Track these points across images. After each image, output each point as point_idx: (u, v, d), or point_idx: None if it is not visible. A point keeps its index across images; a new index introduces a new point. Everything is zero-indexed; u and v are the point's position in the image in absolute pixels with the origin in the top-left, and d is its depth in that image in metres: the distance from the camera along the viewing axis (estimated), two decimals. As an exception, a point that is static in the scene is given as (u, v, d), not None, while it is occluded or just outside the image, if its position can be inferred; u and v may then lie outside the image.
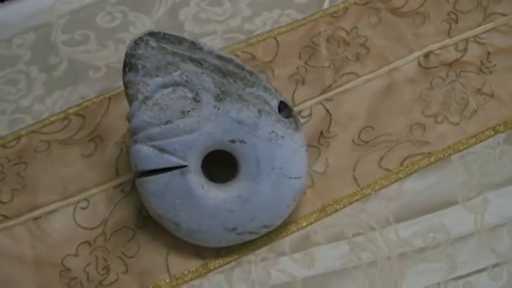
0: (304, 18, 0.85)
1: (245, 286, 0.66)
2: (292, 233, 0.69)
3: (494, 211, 0.68)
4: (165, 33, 0.63)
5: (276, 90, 0.65)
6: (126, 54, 0.64)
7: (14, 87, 0.82)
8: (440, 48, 0.79)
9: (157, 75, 0.63)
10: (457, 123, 0.74)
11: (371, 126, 0.74)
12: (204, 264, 0.67)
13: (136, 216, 0.70)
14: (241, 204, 0.65)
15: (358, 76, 0.78)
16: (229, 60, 0.63)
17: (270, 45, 0.83)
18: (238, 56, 0.82)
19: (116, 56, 0.82)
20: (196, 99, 0.63)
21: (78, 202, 0.72)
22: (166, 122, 0.63)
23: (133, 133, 0.64)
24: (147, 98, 0.63)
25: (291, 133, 0.64)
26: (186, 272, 0.67)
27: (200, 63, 0.63)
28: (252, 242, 0.68)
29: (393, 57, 0.79)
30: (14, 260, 0.69)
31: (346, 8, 0.85)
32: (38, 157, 0.75)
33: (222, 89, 0.63)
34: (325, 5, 0.86)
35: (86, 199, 0.72)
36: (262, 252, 0.68)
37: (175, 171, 0.64)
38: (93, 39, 0.84)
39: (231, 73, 0.63)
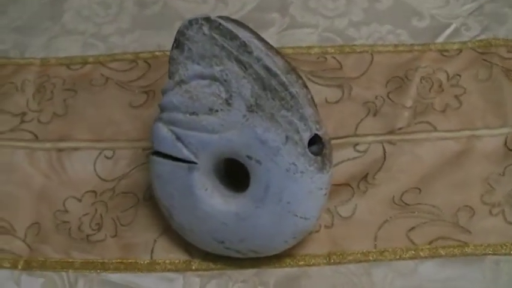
0: (411, 45, 0.77)
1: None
2: (285, 266, 0.64)
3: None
4: (220, 24, 0.59)
5: (317, 122, 0.60)
6: (178, 31, 0.61)
7: (104, 11, 0.81)
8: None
9: (198, 63, 0.60)
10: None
11: (419, 189, 0.67)
12: (188, 261, 0.65)
13: (147, 188, 0.68)
14: (236, 221, 0.61)
15: (435, 130, 0.71)
16: (274, 75, 0.58)
17: (363, 60, 0.76)
18: (325, 59, 0.76)
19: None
20: (228, 102, 0.59)
21: (105, 149, 0.71)
22: (192, 113, 0.60)
23: (161, 110, 0.62)
24: (182, 81, 0.60)
25: (313, 172, 0.59)
26: (167, 261, 0.65)
27: (245, 67, 0.58)
28: (242, 259, 0.64)
29: (481, 124, 0.71)
30: (23, 181, 0.70)
31: (460, 51, 0.76)
32: (90, 90, 0.75)
33: (257, 101, 0.58)
34: (440, 39, 0.77)
35: (113, 149, 0.71)
36: (248, 274, 0.64)
37: (183, 164, 0.61)
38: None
39: (271, 88, 0.58)
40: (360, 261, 0.64)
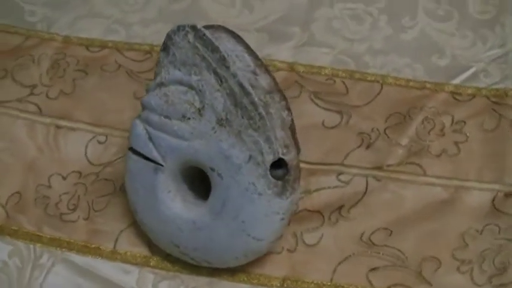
0: (424, 82, 0.75)
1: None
2: (238, 281, 0.65)
3: None
4: (204, 34, 0.59)
5: (286, 146, 0.59)
6: (167, 34, 0.62)
7: (135, -1, 0.84)
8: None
9: (179, 69, 0.61)
10: (477, 286, 0.62)
11: (391, 231, 0.66)
12: (147, 257, 0.66)
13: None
14: (192, 230, 0.62)
15: (424, 174, 0.69)
16: (247, 93, 0.58)
17: (371, 90, 0.75)
18: (334, 82, 0.75)
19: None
20: (200, 112, 0.60)
21: (99, 134, 0.73)
22: (166, 116, 0.61)
23: (141, 107, 0.63)
24: (162, 84, 0.62)
25: (271, 195, 0.59)
26: (128, 253, 0.67)
27: (221, 80, 0.59)
28: (199, 266, 0.65)
29: (474, 176, 0.69)
30: (17, 151, 0.73)
31: (473, 96, 0.74)
32: (100, 74, 0.77)
33: (228, 116, 0.59)
34: (456, 81, 0.75)
35: (106, 135, 0.73)
36: (201, 281, 0.65)
37: (151, 164, 0.62)
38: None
39: (242, 106, 0.58)
40: (312, 292, 0.63)
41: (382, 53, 0.78)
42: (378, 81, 0.75)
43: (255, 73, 0.62)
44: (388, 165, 0.70)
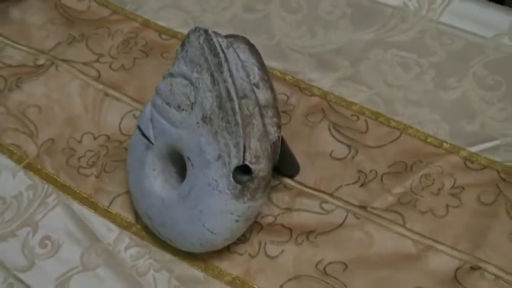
0: (443, 141, 0.76)
1: (129, 261, 0.71)
2: (195, 267, 0.70)
3: None
4: (212, 39, 0.66)
5: (256, 157, 0.64)
6: (187, 33, 0.69)
7: (217, 2, 0.92)
8: (495, 276, 0.66)
9: (186, 65, 0.68)
10: None
11: (346, 266, 0.68)
12: (130, 223, 0.74)
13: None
14: (161, 207, 0.69)
15: (403, 225, 0.70)
16: (230, 99, 0.64)
17: (390, 135, 0.78)
18: (357, 119, 0.79)
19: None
20: (192, 106, 0.66)
21: (136, 110, 0.82)
22: (167, 103, 0.68)
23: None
24: (172, 74, 0.69)
25: (228, 195, 0.64)
26: (117, 215, 0.75)
27: (214, 83, 0.65)
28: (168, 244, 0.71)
29: (450, 241, 0.69)
30: (67, 104, 0.84)
31: (484, 167, 0.74)
32: (158, 59, 0.87)
33: (211, 115, 0.65)
34: (474, 148, 0.75)
35: (140, 110, 0.81)
36: (165, 257, 0.71)
37: (145, 141, 0.70)
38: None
39: (224, 110, 0.64)
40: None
41: (415, 105, 0.79)
42: (398, 129, 0.77)
43: (256, 86, 0.68)
44: (373, 208, 0.72)
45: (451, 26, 0.85)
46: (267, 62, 0.80)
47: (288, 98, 0.81)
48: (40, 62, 0.88)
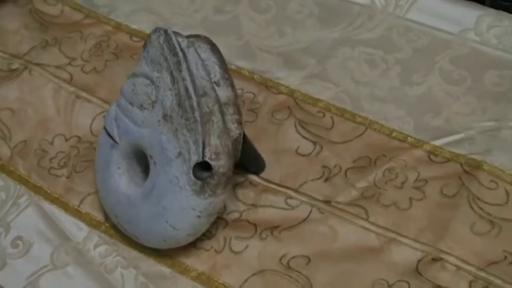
0: (408, 135, 0.77)
1: (98, 259, 0.72)
2: (162, 263, 0.71)
3: None
4: (171, 39, 0.67)
5: (216, 153, 0.65)
6: (149, 33, 0.70)
7: (188, 4, 0.93)
8: (457, 267, 0.67)
9: (148, 65, 0.69)
10: None
11: (310, 260, 0.69)
12: (100, 222, 0.75)
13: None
14: (126, 204, 0.70)
15: (366, 219, 0.72)
16: (189, 97, 0.65)
17: (355, 131, 0.79)
18: (323, 115, 0.80)
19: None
20: (153, 105, 0.68)
21: (107, 111, 0.83)
22: (130, 103, 0.70)
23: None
24: (134, 74, 0.70)
25: (189, 191, 0.65)
26: (87, 214, 0.76)
27: (174, 81, 0.66)
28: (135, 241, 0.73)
29: (413, 234, 0.70)
30: (40, 107, 0.85)
31: (448, 160, 0.75)
32: (128, 61, 0.88)
33: (171, 113, 0.66)
34: (438, 142, 0.76)
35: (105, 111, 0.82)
36: (132, 254, 0.72)
37: (110, 140, 0.71)
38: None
39: (183, 108, 0.65)
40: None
41: (381, 101, 0.80)
42: (363, 125, 0.78)
43: (217, 84, 0.69)
44: (337, 202, 0.73)
45: (417, 23, 0.86)
46: (236, 62, 0.82)
47: (254, 96, 0.82)
48: (14, 67, 0.89)
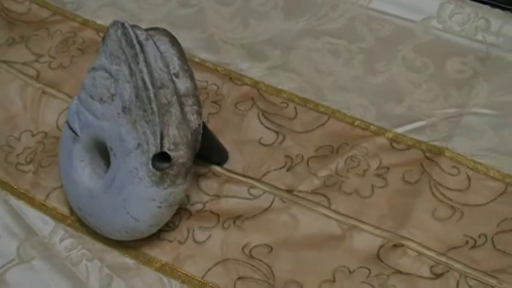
0: (370, 124, 0.78)
1: (63, 253, 0.73)
2: (126, 255, 0.72)
3: None
4: (128, 32, 0.67)
5: (175, 144, 0.66)
6: (108, 27, 0.70)
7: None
8: (418, 253, 0.68)
9: (107, 58, 0.69)
10: None
11: (272, 248, 0.70)
12: (66, 216, 0.76)
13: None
14: (88, 197, 0.70)
15: (328, 207, 0.72)
16: (146, 89, 0.66)
17: (317, 120, 0.80)
18: (287, 106, 0.81)
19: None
20: (112, 97, 0.68)
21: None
22: (90, 96, 0.70)
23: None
24: (94, 68, 0.71)
25: (148, 182, 0.66)
26: (53, 208, 0.76)
27: (131, 74, 0.67)
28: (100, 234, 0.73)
29: (374, 221, 0.71)
30: (7, 104, 0.86)
31: (410, 147, 0.75)
32: (92, 56, 0.87)
33: (130, 105, 0.67)
34: (400, 129, 0.77)
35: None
36: (97, 246, 0.73)
37: (72, 134, 0.72)
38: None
39: (141, 99, 0.66)
40: (183, 283, 0.69)
41: (344, 90, 0.81)
42: (326, 114, 0.79)
43: (176, 75, 0.69)
44: (299, 191, 0.73)
45: (381, 12, 0.87)
46: (200, 54, 0.82)
47: (218, 88, 0.82)
48: (-20, 64, 0.90)
